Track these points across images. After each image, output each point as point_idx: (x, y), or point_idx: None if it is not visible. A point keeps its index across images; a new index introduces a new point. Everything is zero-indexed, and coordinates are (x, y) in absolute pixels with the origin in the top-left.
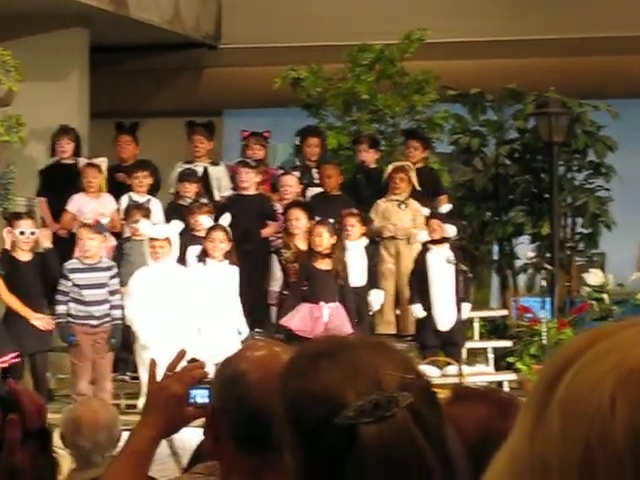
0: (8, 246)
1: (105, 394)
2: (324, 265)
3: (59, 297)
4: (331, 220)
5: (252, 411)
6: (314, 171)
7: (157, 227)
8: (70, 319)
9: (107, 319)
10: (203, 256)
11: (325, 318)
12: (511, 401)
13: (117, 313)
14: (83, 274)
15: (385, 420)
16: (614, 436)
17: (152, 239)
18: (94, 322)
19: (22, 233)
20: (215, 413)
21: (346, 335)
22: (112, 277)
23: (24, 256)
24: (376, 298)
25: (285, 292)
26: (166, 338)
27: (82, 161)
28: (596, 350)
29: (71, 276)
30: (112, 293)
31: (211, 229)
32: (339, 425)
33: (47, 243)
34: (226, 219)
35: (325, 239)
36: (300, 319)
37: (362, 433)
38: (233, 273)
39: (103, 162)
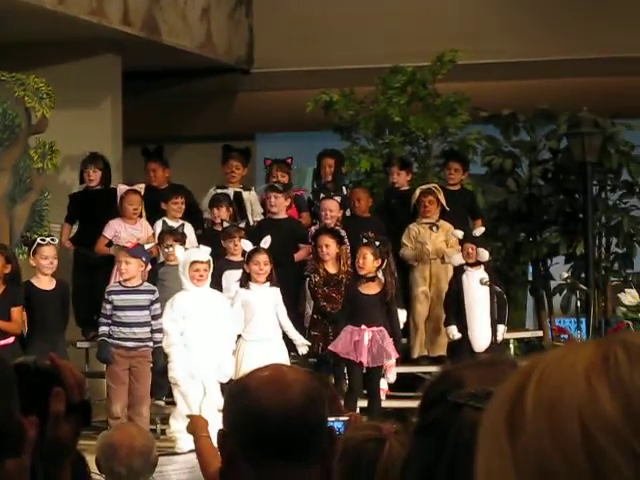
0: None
1: (141, 419)
2: (369, 289)
3: (101, 319)
4: (377, 242)
5: (260, 425)
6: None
7: (197, 250)
8: (109, 340)
9: (147, 343)
10: (246, 280)
11: (365, 342)
12: None
13: (158, 336)
14: (123, 296)
15: None
16: (609, 416)
17: (195, 262)
18: (130, 344)
19: (45, 258)
20: (225, 434)
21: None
22: (153, 302)
23: (46, 284)
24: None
25: (315, 316)
26: (204, 368)
27: (122, 188)
28: (552, 358)
29: (111, 298)
30: (154, 317)
31: (254, 252)
32: (450, 402)
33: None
34: (267, 241)
35: (369, 261)
36: (342, 343)
37: (464, 414)
38: (277, 294)
39: (141, 188)
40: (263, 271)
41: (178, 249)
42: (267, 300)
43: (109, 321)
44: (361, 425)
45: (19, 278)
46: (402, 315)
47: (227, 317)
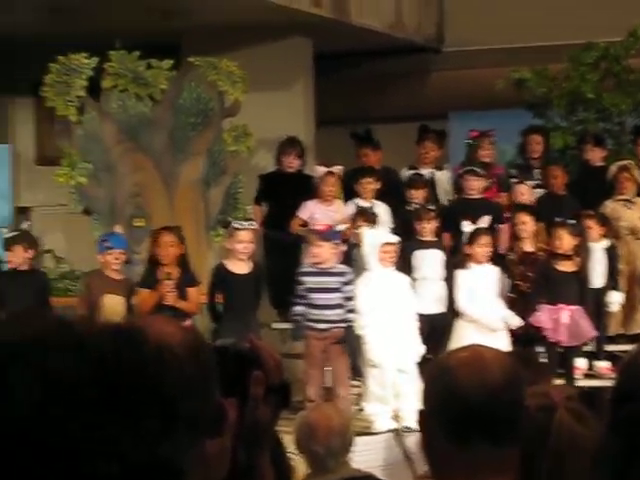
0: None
1: (340, 400)
2: (565, 267)
3: (296, 300)
4: (573, 221)
5: (459, 406)
6: (535, 171)
7: (387, 232)
8: (303, 321)
9: (340, 324)
10: (466, 261)
11: (564, 320)
12: None
13: (352, 317)
14: (314, 278)
15: None
16: None
17: (387, 244)
18: (323, 326)
19: (240, 242)
20: (425, 415)
21: None
22: (346, 283)
23: (241, 268)
24: (615, 300)
25: (511, 294)
26: (395, 348)
27: (320, 169)
28: None
29: (303, 279)
30: (348, 299)
31: (476, 234)
32: None
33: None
34: (485, 221)
35: (566, 241)
36: (542, 320)
37: None
38: (495, 274)
39: (339, 170)
40: (486, 252)
41: (367, 230)
42: (490, 281)
43: (303, 301)
44: (531, 392)
45: (188, 259)
46: (618, 296)
47: (411, 298)
